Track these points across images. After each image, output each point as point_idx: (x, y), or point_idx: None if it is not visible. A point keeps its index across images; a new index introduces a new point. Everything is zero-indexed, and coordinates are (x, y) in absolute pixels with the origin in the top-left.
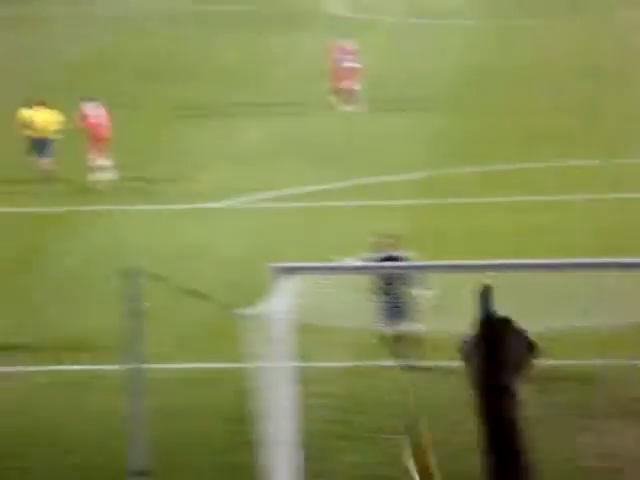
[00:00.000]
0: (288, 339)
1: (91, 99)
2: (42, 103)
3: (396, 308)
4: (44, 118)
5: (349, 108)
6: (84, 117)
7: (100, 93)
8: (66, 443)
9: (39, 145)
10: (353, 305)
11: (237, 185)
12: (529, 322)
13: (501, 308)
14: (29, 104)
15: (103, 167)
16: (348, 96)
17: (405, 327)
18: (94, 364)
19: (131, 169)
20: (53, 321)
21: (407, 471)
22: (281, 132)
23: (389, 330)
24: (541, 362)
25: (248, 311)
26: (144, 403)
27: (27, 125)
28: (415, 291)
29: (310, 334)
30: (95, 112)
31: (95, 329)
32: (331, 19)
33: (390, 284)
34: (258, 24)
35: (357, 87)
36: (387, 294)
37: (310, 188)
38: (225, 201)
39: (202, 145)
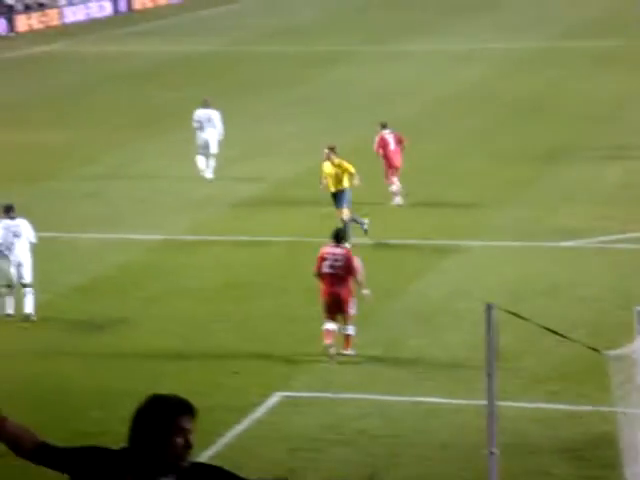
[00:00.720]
0: None
1: (385, 126)
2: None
3: None
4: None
5: None
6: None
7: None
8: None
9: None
10: None
11: (594, 225)
12: None
13: None
14: None
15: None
16: None
17: None
18: (425, 395)
19: (491, 206)
20: (416, 349)
21: None
22: None
23: None
24: None
25: (613, 352)
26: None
27: None
28: None
29: None
30: (390, 139)
31: (450, 359)
32: None
33: None
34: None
35: None
36: None
37: None
38: (580, 240)
39: (560, 185)
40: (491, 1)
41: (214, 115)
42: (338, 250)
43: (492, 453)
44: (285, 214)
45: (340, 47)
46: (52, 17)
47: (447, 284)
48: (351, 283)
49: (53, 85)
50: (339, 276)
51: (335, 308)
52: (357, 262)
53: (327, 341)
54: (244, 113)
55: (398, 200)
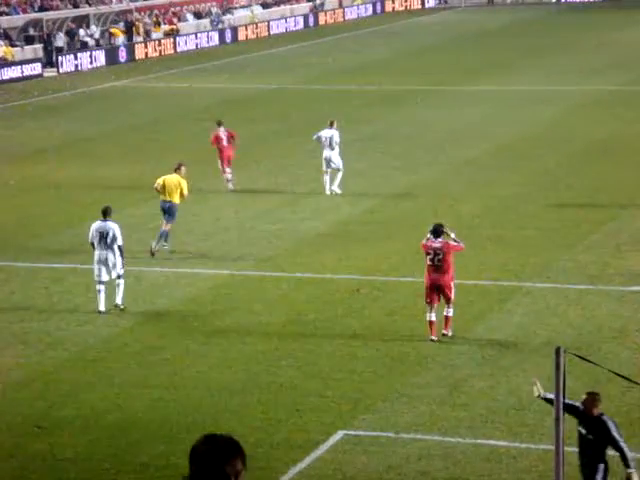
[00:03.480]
0: None
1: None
2: None
3: None
4: None
5: None
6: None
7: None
8: None
9: None
10: None
11: None
12: None
13: None
14: None
15: None
16: None
17: None
18: (505, 439)
19: (559, 248)
20: (480, 391)
21: None
22: None
23: None
24: None
25: None
26: None
27: None
28: None
29: None
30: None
31: (514, 402)
32: None
33: None
34: None
35: None
36: None
37: None
38: None
39: (630, 229)
40: (566, 43)
41: (335, 135)
42: (437, 244)
43: None
44: (348, 252)
45: (412, 87)
46: (130, 54)
47: (513, 326)
48: (451, 270)
49: (121, 120)
50: (440, 266)
51: (437, 294)
52: (454, 246)
53: (431, 336)
54: (312, 149)
55: (231, 186)
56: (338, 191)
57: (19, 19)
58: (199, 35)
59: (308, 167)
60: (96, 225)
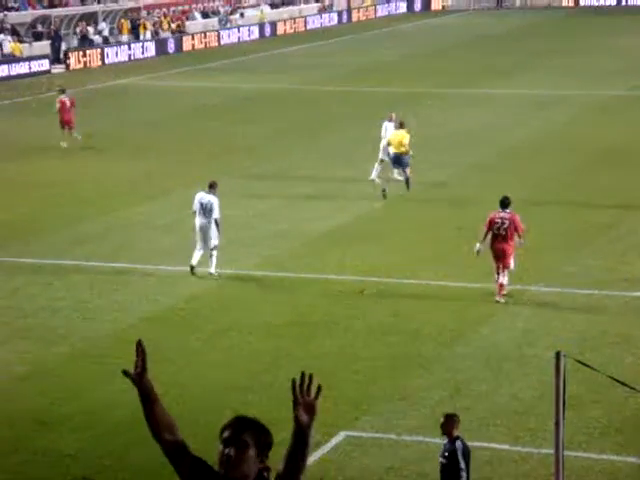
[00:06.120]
0: None
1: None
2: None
3: None
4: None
5: None
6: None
7: None
8: None
9: None
10: None
11: None
12: None
13: None
14: None
15: None
16: None
17: None
18: (506, 443)
19: (564, 252)
20: (482, 394)
21: None
22: None
23: None
24: None
25: None
26: None
27: None
28: None
29: None
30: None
31: (516, 406)
32: None
33: None
34: None
35: None
36: None
37: None
38: None
39: (636, 235)
40: (577, 48)
41: (390, 127)
42: (505, 214)
43: None
44: (351, 253)
45: (420, 89)
46: (136, 51)
47: (516, 329)
48: (514, 241)
49: (128, 116)
50: (505, 235)
51: (500, 261)
52: (519, 222)
53: (497, 297)
54: (317, 150)
55: (65, 145)
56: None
57: (27, 15)
58: (208, 34)
59: (311, 168)
60: (199, 196)
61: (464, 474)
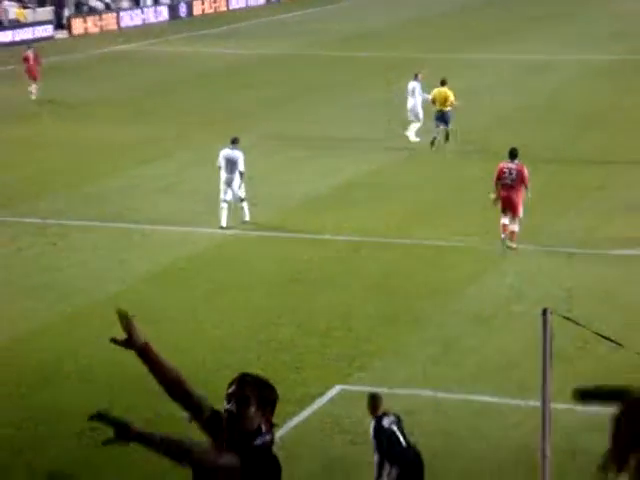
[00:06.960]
0: None
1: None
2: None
3: None
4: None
5: None
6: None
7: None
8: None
9: None
10: None
11: None
12: None
13: None
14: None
15: None
16: None
17: None
18: (494, 396)
19: (551, 212)
20: (471, 349)
21: None
22: None
23: None
24: None
25: None
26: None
27: None
28: None
29: None
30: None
31: (504, 360)
32: None
33: None
34: None
35: None
36: None
37: None
38: (638, 249)
39: (622, 196)
40: (569, 12)
41: (417, 86)
42: (513, 165)
43: (545, 456)
44: (349, 213)
45: (413, 54)
46: (137, 19)
47: (504, 286)
48: (522, 190)
49: (132, 83)
50: (513, 185)
51: (508, 209)
52: (527, 173)
53: (502, 235)
54: (314, 114)
55: (33, 97)
56: (410, 136)
57: None
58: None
59: (309, 131)
60: (224, 152)
61: (376, 456)
